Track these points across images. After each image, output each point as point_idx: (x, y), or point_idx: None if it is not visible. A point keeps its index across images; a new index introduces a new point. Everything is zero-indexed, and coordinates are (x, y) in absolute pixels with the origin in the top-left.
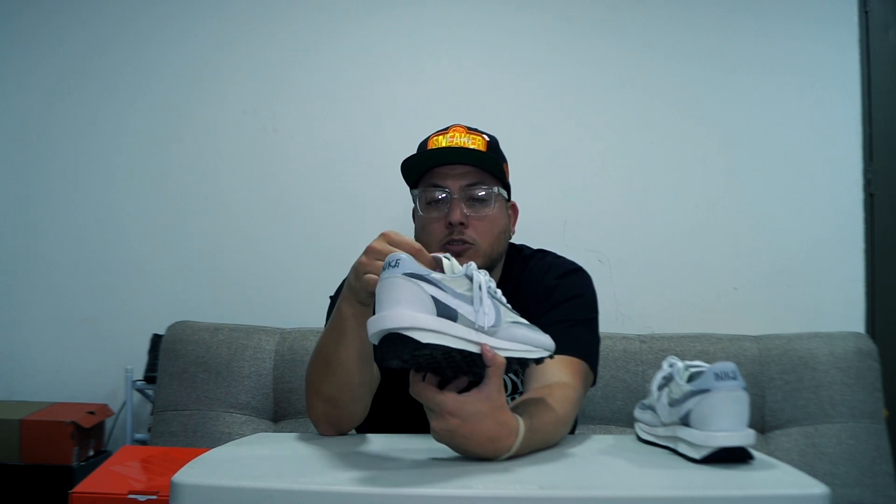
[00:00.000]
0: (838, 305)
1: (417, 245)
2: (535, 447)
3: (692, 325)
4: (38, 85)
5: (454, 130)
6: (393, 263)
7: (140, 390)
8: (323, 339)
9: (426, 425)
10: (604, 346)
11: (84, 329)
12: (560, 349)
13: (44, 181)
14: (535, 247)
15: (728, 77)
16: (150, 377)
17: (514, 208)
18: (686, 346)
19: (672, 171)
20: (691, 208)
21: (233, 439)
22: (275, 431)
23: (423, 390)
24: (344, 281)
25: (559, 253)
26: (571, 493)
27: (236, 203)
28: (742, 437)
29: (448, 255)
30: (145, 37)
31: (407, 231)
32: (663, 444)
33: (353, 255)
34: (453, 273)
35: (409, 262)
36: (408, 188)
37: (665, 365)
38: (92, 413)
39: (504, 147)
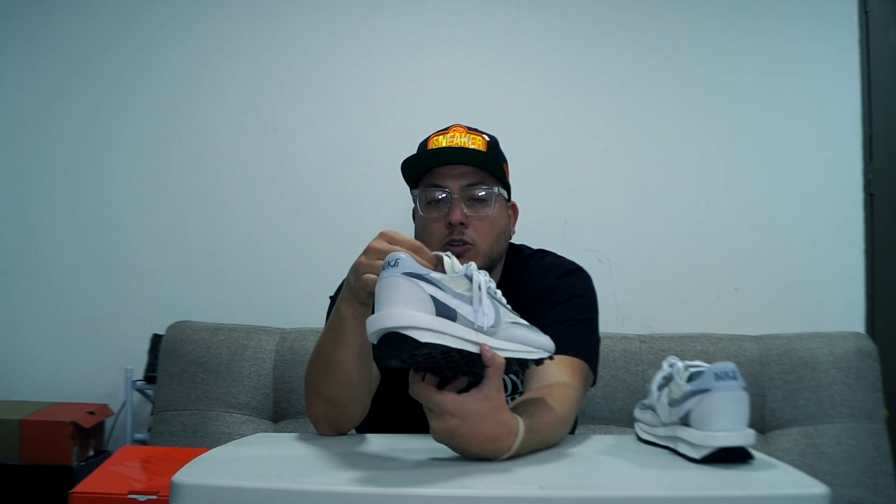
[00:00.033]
0: (838, 305)
1: (418, 243)
2: (535, 447)
3: (692, 325)
4: (38, 85)
5: (454, 130)
6: (392, 263)
7: (140, 390)
8: (322, 339)
9: (426, 425)
10: (604, 346)
11: (84, 329)
12: (560, 349)
13: (44, 181)
14: (535, 247)
15: (728, 77)
16: (150, 377)
17: (514, 208)
18: (686, 346)
19: (672, 171)
20: (691, 208)
21: (233, 439)
22: (275, 431)
23: (422, 390)
24: (344, 281)
25: (559, 253)
26: (571, 493)
27: (236, 203)
28: (742, 437)
29: (449, 252)
30: (145, 37)
31: (407, 231)
32: (663, 444)
33: (353, 255)
34: (454, 271)
35: (408, 262)
36: (408, 188)
37: (665, 365)
38: (92, 413)
39: (504, 147)
